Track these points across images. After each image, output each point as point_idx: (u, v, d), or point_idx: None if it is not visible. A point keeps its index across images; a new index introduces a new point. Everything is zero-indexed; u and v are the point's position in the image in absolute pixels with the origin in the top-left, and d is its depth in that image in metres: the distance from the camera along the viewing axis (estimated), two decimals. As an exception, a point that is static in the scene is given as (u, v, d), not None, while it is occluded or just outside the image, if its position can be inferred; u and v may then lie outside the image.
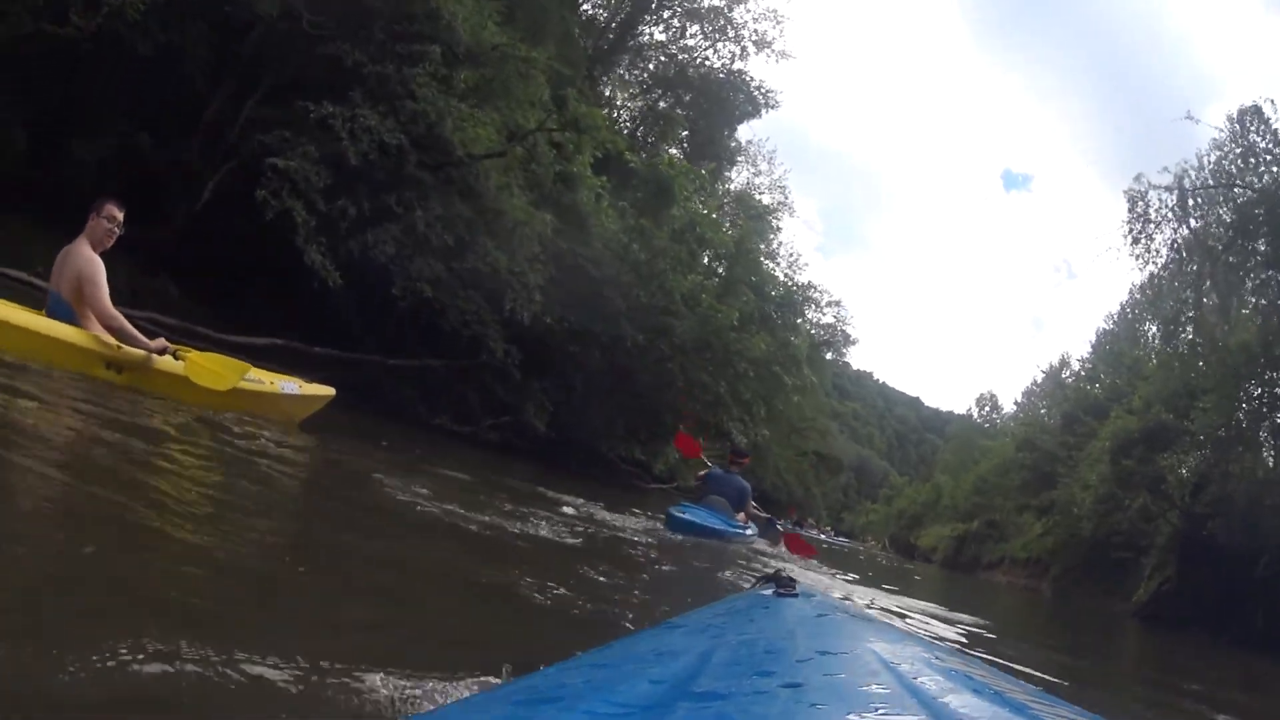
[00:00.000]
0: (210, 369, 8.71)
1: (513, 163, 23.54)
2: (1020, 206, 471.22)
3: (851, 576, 17.31)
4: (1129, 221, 42.19)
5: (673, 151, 31.69)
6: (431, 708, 2.37)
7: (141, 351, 8.33)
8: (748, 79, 54.65)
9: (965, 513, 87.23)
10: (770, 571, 3.44)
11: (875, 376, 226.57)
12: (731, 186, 57.95)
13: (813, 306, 49.01)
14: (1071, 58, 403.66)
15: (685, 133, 42.41)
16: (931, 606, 16.10)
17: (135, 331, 8.35)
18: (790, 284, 40.53)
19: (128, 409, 7.41)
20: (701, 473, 16.66)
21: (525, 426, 26.96)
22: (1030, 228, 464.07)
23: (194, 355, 8.86)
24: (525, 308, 21.93)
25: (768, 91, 54.94)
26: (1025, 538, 70.00)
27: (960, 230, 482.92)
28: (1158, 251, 42.13)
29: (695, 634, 2.27)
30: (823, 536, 75.64)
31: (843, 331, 70.59)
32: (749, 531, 15.60)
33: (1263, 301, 38.20)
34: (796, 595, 2.63)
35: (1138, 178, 41.86)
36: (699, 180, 32.68)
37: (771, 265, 40.79)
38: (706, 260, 33.35)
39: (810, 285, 40.85)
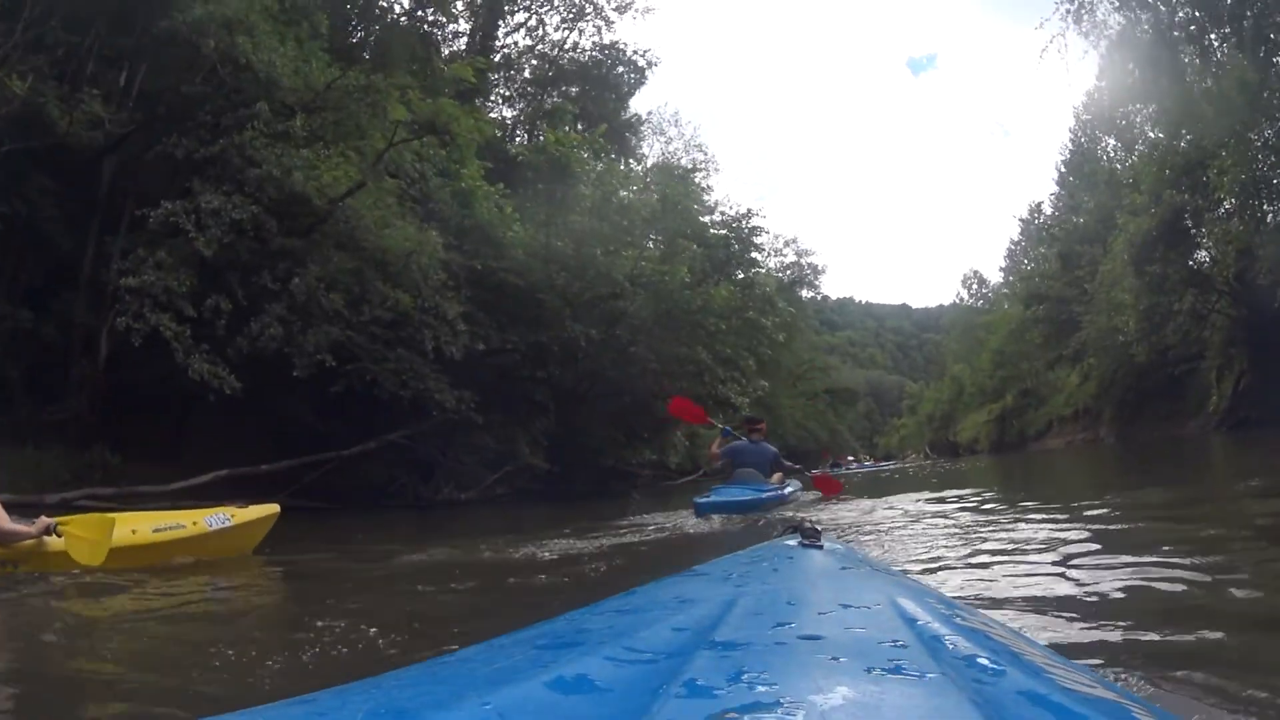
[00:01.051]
0: (86, 538, 7.97)
1: (383, 195, 21.89)
2: (933, 87, 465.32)
3: (894, 501, 14.97)
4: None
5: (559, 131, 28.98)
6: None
7: (30, 540, 7.87)
8: (622, 48, 52.97)
9: (994, 391, 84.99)
10: (796, 520, 3.12)
11: (856, 299, 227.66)
12: (648, 162, 55.32)
13: (770, 252, 46.71)
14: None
15: (577, 115, 40.01)
16: (990, 498, 14.51)
17: (12, 525, 7.85)
18: (735, 221, 38.05)
19: (38, 597, 6.96)
20: (715, 447, 15.91)
21: (529, 470, 26.89)
22: (949, 104, 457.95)
23: (72, 526, 8.10)
24: (450, 343, 21.04)
25: (645, 52, 52.86)
26: (1065, 392, 67.64)
27: (886, 129, 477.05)
28: (1103, 23, 38.81)
29: (718, 582, 2.27)
30: (866, 466, 73.16)
31: (809, 265, 71.91)
32: (788, 490, 14.85)
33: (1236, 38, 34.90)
34: (821, 547, 2.64)
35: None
36: (595, 146, 30.28)
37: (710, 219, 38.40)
38: (635, 230, 30.58)
39: (755, 225, 38.22)
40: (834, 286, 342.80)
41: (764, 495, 13.47)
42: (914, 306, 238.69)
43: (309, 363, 18.87)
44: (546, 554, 9.02)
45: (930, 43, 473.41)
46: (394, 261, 21.16)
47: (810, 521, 2.97)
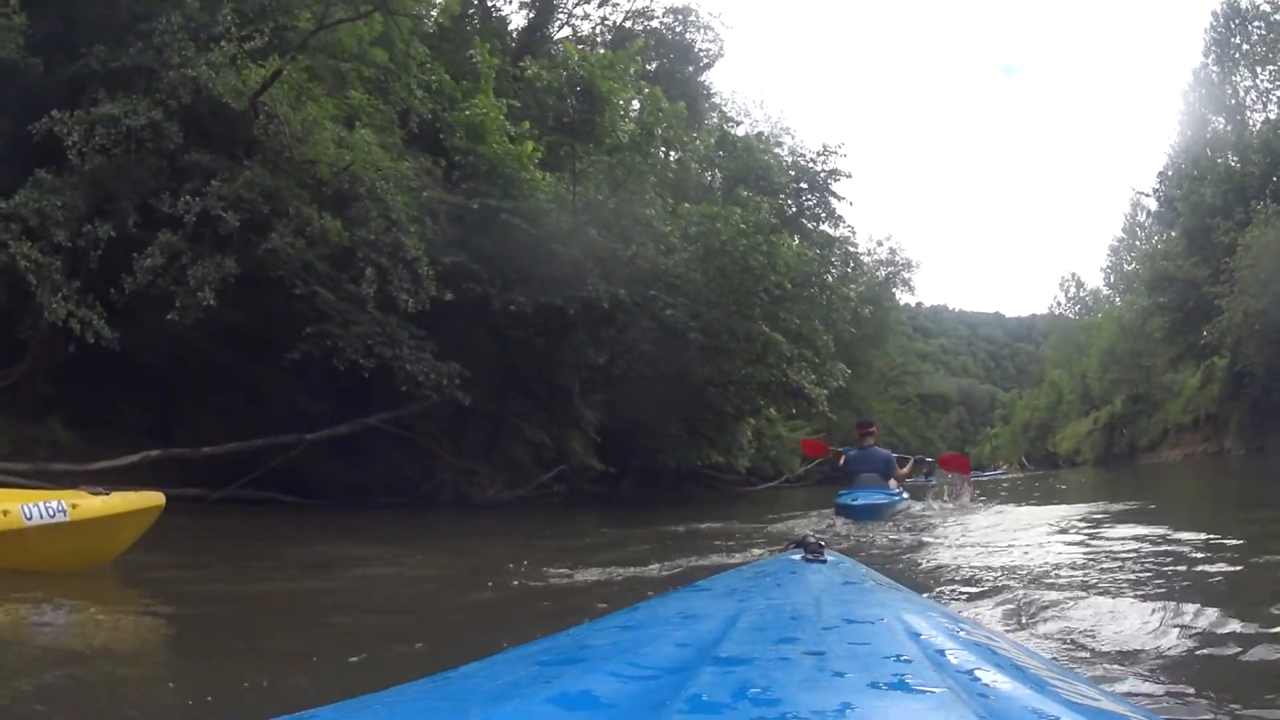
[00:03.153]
0: None
1: (334, 107, 19.37)
2: (1026, 90, 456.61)
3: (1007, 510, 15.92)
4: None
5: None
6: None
7: None
8: (695, 10, 47.22)
9: (1100, 398, 78.23)
10: (799, 536, 3.05)
11: (950, 306, 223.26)
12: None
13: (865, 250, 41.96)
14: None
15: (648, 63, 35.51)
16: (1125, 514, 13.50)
17: None
18: (807, 160, 33.66)
19: None
20: (840, 462, 16.30)
21: (588, 470, 26.26)
22: (1041, 108, 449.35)
23: None
24: (405, 289, 17.73)
25: (719, 15, 48.37)
26: (1183, 396, 60.25)
27: (978, 133, 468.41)
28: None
29: (721, 598, 2.30)
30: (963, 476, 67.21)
31: (904, 261, 67.55)
32: (905, 496, 15.26)
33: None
34: (824, 561, 2.67)
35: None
36: (631, 66, 24.48)
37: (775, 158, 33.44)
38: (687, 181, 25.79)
39: (833, 168, 33.32)
40: (928, 293, 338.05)
41: (891, 500, 14.12)
42: (1007, 315, 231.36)
43: (192, 303, 15.73)
44: (543, 581, 7.83)
45: (1022, 47, 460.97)
46: (332, 181, 17.85)
47: (815, 536, 2.94)
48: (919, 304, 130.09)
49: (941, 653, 1.44)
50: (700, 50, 47.89)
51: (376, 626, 6.07)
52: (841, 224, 37.08)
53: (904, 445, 66.85)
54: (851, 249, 35.21)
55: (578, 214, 22.01)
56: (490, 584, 7.83)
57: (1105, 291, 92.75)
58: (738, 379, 25.57)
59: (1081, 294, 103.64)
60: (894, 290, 70.82)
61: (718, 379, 25.39)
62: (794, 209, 30.87)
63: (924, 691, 1.16)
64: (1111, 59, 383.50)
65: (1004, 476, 66.11)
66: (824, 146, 33.05)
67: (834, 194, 34.66)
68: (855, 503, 13.52)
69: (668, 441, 30.53)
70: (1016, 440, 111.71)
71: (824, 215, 34.49)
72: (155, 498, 7.93)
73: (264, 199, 16.69)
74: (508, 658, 1.69)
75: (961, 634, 1.69)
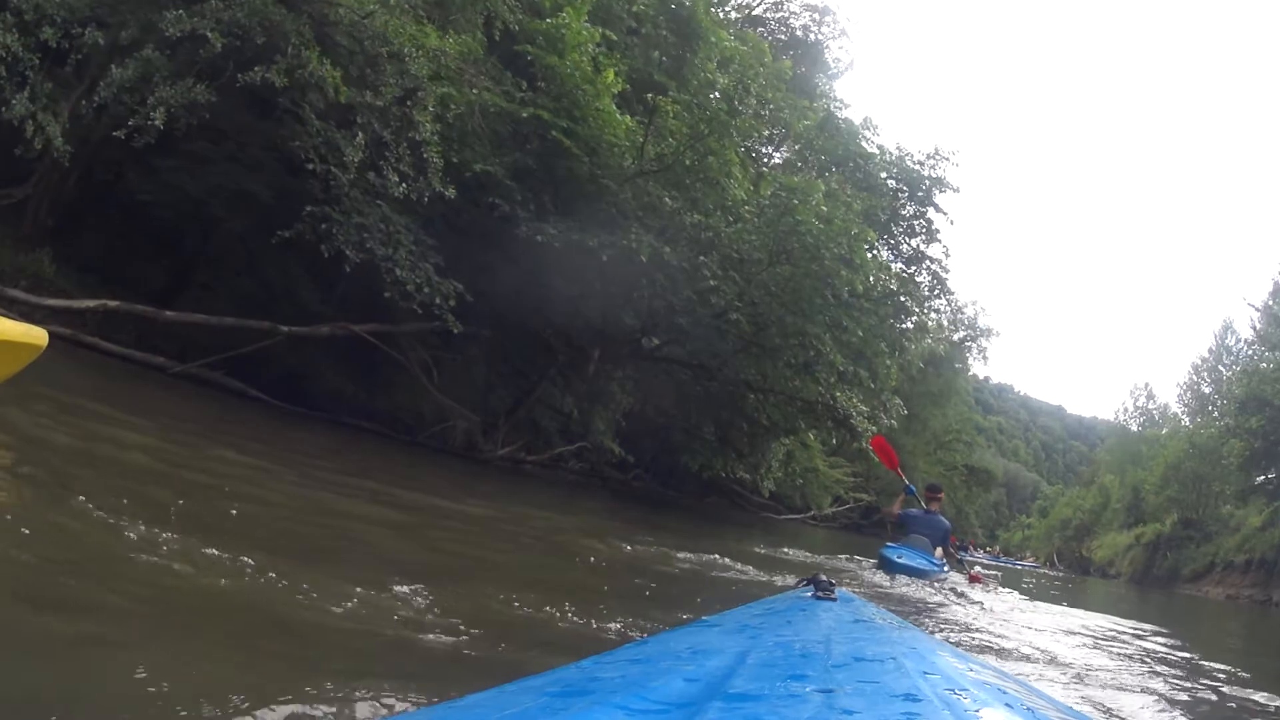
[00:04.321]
0: None
1: None
2: (1132, 184, 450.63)
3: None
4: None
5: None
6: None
7: None
8: (832, 12, 43.40)
9: (1150, 514, 74.40)
10: (811, 574, 3.19)
11: (1015, 388, 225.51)
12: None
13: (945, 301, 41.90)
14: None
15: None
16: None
17: None
18: (913, 160, 30.95)
19: None
20: (898, 506, 16.27)
21: (606, 454, 25.31)
22: (1128, 213, 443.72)
23: None
24: (405, 175, 15.75)
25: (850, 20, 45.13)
26: (1241, 534, 56.56)
27: (1074, 221, 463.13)
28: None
29: (732, 633, 2.36)
30: (986, 558, 65.32)
31: (984, 328, 65.55)
32: (946, 568, 14.98)
33: None
34: (835, 599, 2.78)
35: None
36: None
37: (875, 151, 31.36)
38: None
39: (937, 177, 31.54)
40: (996, 369, 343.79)
41: (933, 569, 13.82)
42: (1069, 411, 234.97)
43: (144, 124, 13.63)
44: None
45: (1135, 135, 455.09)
46: (346, 27, 15.59)
47: (823, 574, 3.02)
48: (986, 378, 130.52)
49: (951, 692, 1.44)
50: (835, 59, 44.64)
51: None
52: (937, 242, 33.55)
53: (941, 513, 65.05)
54: (944, 274, 31.90)
55: (644, 159, 19.15)
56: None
57: (1175, 409, 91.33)
58: (781, 389, 22.89)
59: (1150, 406, 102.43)
60: (967, 354, 68.69)
61: (758, 384, 22.69)
62: (887, 214, 27.69)
63: None
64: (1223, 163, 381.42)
65: (1035, 569, 64.06)
66: (935, 149, 29.99)
67: (936, 205, 31.46)
68: (903, 561, 13.46)
69: (696, 443, 28.62)
70: (1051, 536, 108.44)
71: (920, 229, 31.32)
72: (35, 334, 6.32)
73: (263, 30, 14.38)
74: (515, 689, 1.67)
75: (971, 674, 1.68)
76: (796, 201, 19.20)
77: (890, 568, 13.43)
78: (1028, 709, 1.45)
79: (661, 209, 18.94)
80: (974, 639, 7.93)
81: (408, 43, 15.67)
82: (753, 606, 2.90)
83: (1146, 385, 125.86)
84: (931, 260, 32.40)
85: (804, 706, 1.36)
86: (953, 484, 62.91)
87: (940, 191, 30.85)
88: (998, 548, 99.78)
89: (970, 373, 76.89)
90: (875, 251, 22.77)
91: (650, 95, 19.42)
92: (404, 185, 15.63)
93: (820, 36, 42.70)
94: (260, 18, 14.19)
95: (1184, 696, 6.62)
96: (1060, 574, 66.62)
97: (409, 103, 15.71)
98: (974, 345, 67.08)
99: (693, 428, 28.11)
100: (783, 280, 19.70)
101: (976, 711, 1.35)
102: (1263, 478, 52.04)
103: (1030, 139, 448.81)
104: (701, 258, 18.51)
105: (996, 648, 7.59)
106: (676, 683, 1.54)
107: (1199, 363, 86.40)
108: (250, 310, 16.88)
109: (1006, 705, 1.44)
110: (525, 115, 17.78)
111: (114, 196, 16.19)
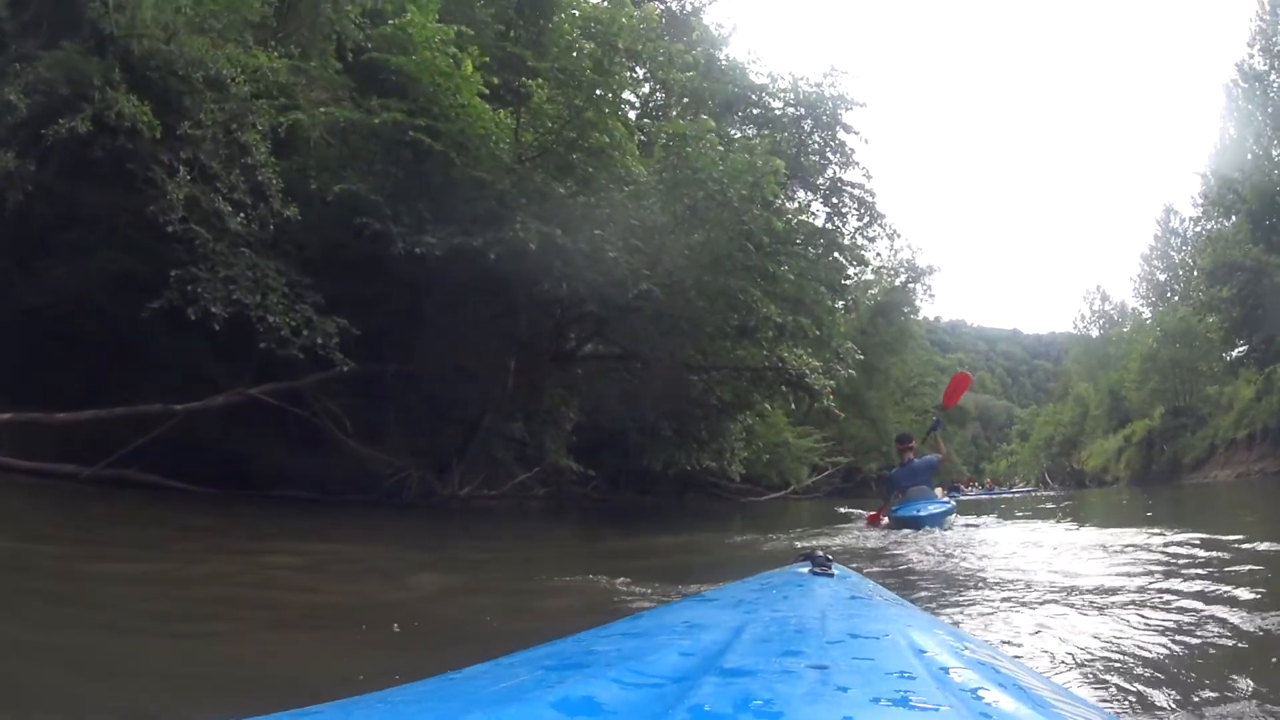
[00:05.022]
0: None
1: None
2: (1044, 97, 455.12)
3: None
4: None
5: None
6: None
7: None
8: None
9: (1136, 411, 72.84)
10: (808, 549, 3.25)
11: (968, 322, 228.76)
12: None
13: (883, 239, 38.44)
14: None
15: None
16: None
17: None
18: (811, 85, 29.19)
19: None
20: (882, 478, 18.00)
21: (558, 472, 24.26)
22: (1059, 123, 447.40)
23: None
24: (249, 208, 14.64)
25: None
26: (1235, 409, 54.56)
27: (991, 145, 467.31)
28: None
29: (728, 608, 2.33)
30: (988, 493, 66.82)
31: (925, 266, 63.81)
32: (953, 503, 16.04)
33: None
34: (832, 575, 2.74)
35: None
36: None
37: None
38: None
39: (840, 94, 29.22)
40: (945, 307, 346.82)
41: (944, 509, 14.47)
42: (1025, 332, 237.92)
43: None
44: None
45: (1039, 50, 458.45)
46: (145, 60, 14.02)
47: (822, 549, 3.02)
48: (937, 318, 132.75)
49: (945, 670, 1.44)
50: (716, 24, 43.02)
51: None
52: (855, 167, 31.53)
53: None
54: (869, 198, 30.07)
55: (520, 146, 17.71)
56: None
57: (1134, 304, 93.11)
58: (723, 363, 21.60)
59: (1107, 308, 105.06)
60: (913, 297, 67.32)
61: (698, 363, 21.40)
62: (795, 147, 25.97)
63: (926, 709, 1.18)
64: (1129, 66, 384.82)
65: (1029, 493, 64.56)
66: (831, 67, 28.22)
67: (844, 124, 29.20)
68: (920, 514, 13.91)
69: (654, 441, 27.22)
70: (1037, 457, 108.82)
71: (833, 156, 29.25)
72: None
73: (67, 83, 13.27)
74: (512, 661, 1.72)
75: (966, 652, 1.69)
76: (689, 149, 17.62)
77: (914, 524, 13.62)
78: (1021, 689, 1.43)
79: (551, 195, 17.32)
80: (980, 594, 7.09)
81: (226, 65, 14.54)
82: (749, 582, 2.86)
83: (1099, 288, 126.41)
84: (853, 186, 30.46)
85: (798, 682, 1.35)
86: (926, 427, 61.28)
87: (845, 109, 28.79)
88: (989, 479, 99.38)
89: (921, 315, 77.08)
90: (789, 188, 21.87)
91: (520, 80, 18.01)
92: (241, 216, 14.33)
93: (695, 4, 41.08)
94: (65, 70, 13.15)
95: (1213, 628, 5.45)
96: (1056, 492, 66.38)
97: (234, 127, 14.57)
98: (918, 285, 65.78)
99: (648, 426, 26.69)
100: (695, 243, 18.05)
101: (970, 690, 1.31)
102: (1245, 345, 50.12)
103: (927, 59, 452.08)
104: (597, 232, 16.81)
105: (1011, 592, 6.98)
106: (671, 656, 1.54)
107: (1148, 252, 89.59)
108: (167, 395, 15.55)
109: (999, 685, 1.40)
110: (377, 122, 16.17)
111: (8, 305, 14.83)
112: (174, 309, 13.91)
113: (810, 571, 2.73)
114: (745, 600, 2.37)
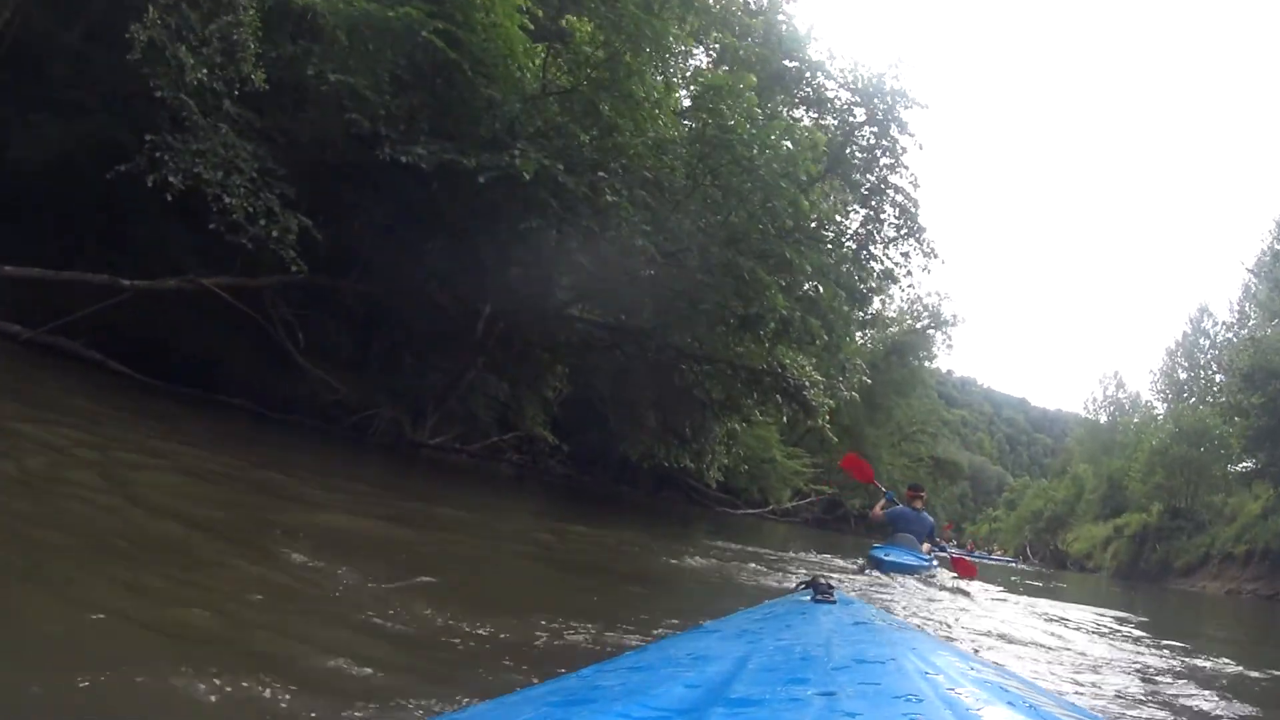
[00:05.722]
0: None
1: None
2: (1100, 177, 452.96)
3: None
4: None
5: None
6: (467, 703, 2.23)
7: None
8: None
9: (1130, 503, 71.47)
10: (809, 578, 3.17)
11: (979, 381, 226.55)
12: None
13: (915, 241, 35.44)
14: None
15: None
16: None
17: None
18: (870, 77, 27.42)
19: None
20: (880, 509, 16.40)
21: (536, 442, 24.53)
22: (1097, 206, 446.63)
23: None
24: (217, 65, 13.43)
25: None
26: (1238, 522, 52.32)
27: (1035, 216, 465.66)
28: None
29: (732, 639, 2.33)
30: (977, 556, 63.85)
31: (950, 317, 63.48)
32: (934, 563, 15.45)
33: None
34: (834, 602, 2.72)
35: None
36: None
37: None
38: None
39: (899, 90, 27.51)
40: (959, 362, 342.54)
41: (921, 564, 14.20)
42: (1033, 404, 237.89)
43: None
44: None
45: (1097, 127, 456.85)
46: None
47: (824, 577, 2.97)
48: (949, 371, 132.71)
49: (953, 692, 1.40)
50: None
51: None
52: (904, 171, 29.57)
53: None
54: (912, 208, 28.01)
55: (547, 79, 16.30)
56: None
57: (1147, 397, 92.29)
58: (720, 356, 20.17)
59: (1120, 395, 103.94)
60: (931, 343, 66.95)
61: (693, 350, 20.01)
62: (841, 138, 24.29)
63: None
64: (1182, 155, 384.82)
65: (1007, 563, 63.21)
66: (898, 57, 26.63)
67: (900, 123, 27.06)
68: (891, 559, 13.72)
69: (636, 429, 26.32)
70: (1021, 528, 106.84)
71: (882, 156, 26.95)
72: None
73: None
74: (516, 699, 1.69)
75: (973, 673, 1.66)
76: (725, 106, 15.99)
77: (881, 566, 13.55)
78: (1030, 707, 1.38)
79: (566, 133, 15.81)
80: (975, 639, 7.49)
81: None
82: (752, 611, 2.87)
83: (1116, 374, 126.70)
84: (897, 190, 28.22)
85: (806, 710, 1.32)
86: (918, 476, 62.06)
87: (905, 107, 26.83)
88: (970, 542, 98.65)
89: (934, 364, 76.81)
90: (828, 181, 20.47)
91: (564, 18, 16.40)
92: (204, 71, 13.15)
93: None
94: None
95: (1197, 695, 6.28)
96: (1035, 568, 64.72)
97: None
98: (938, 333, 65.37)
99: (632, 413, 25.86)
100: (711, 210, 16.62)
101: (979, 711, 1.28)
102: (1254, 461, 48.20)
103: (987, 126, 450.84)
104: (600, 173, 15.33)
105: (999, 643, 7.43)
106: (677, 689, 1.52)
107: (1173, 347, 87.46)
108: (129, 274, 14.67)
109: (1009, 704, 1.37)
110: (392, 15, 14.65)
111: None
112: (139, 177, 13.15)
113: (813, 599, 2.70)
114: (749, 630, 2.34)
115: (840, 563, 15.18)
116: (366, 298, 18.13)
